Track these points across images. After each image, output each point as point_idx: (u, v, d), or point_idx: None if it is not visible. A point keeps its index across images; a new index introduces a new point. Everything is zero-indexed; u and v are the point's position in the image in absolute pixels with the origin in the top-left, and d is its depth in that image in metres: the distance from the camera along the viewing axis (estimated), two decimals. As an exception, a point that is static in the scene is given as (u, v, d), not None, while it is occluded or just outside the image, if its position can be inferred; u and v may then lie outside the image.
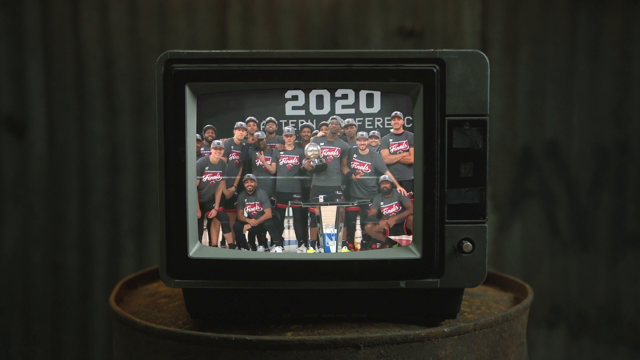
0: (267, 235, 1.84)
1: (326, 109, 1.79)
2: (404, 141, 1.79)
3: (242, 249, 1.81)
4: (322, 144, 1.80)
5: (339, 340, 1.68)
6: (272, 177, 1.81)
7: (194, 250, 1.75)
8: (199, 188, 1.79)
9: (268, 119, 1.79)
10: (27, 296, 3.20)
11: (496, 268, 3.22)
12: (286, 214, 1.82)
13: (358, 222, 1.81)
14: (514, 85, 3.19)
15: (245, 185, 1.81)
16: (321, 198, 1.81)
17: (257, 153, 1.81)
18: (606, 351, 3.26)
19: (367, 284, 1.77)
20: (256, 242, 1.84)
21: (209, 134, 1.79)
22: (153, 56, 3.08)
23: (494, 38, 3.18)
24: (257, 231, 1.83)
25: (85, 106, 3.14)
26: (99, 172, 3.16)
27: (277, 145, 1.81)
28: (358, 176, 1.81)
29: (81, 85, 3.13)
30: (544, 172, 3.23)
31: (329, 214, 1.81)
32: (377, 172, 1.80)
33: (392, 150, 1.80)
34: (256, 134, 1.80)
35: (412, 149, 1.78)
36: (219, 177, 1.81)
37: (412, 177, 1.77)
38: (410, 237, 1.79)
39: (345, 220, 1.81)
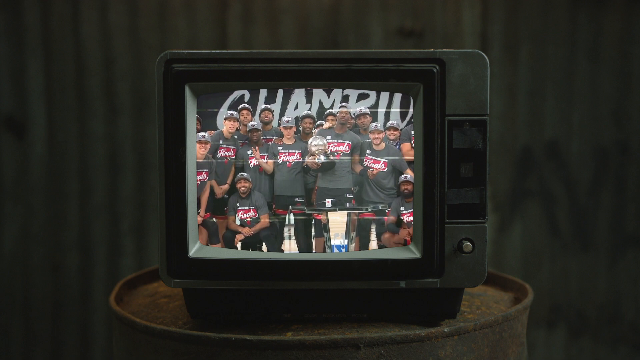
0: (264, 248, 1.59)
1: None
2: None
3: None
4: (329, 137, 1.55)
5: (339, 340, 1.67)
6: (269, 177, 1.60)
7: (194, 250, 1.75)
8: None
9: (264, 106, 1.57)
10: (27, 296, 3.20)
11: (496, 268, 3.22)
12: (286, 222, 1.61)
13: (373, 231, 1.57)
14: (514, 85, 3.19)
15: (238, 186, 1.56)
16: (328, 202, 1.58)
17: (249, 151, 1.55)
18: (606, 351, 3.26)
19: (367, 284, 1.76)
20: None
21: None
22: (153, 56, 3.08)
23: (494, 38, 3.18)
24: (252, 242, 1.58)
25: (85, 106, 3.14)
26: (99, 172, 3.16)
27: (274, 139, 1.55)
28: (374, 173, 1.56)
29: (81, 85, 3.13)
30: (544, 172, 3.23)
31: (338, 222, 1.57)
32: (396, 170, 1.61)
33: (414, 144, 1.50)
34: (250, 123, 1.55)
35: None
36: (205, 177, 1.59)
37: None
38: None
39: (358, 229, 1.58)
